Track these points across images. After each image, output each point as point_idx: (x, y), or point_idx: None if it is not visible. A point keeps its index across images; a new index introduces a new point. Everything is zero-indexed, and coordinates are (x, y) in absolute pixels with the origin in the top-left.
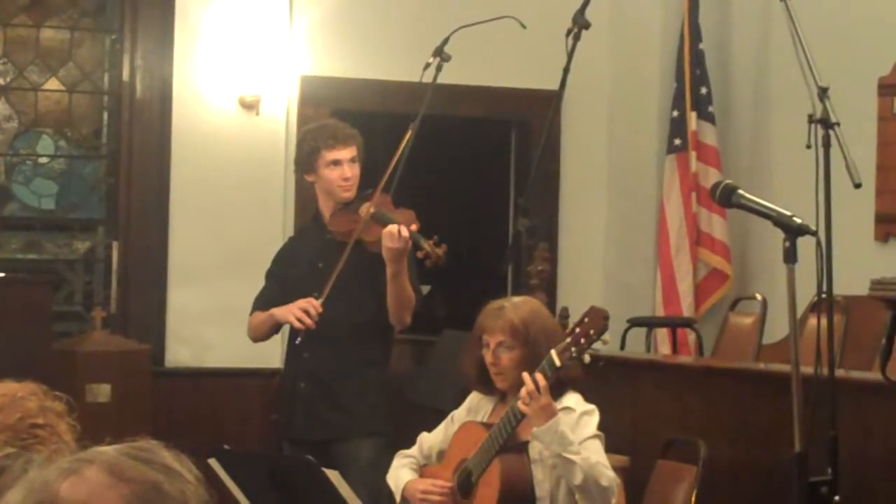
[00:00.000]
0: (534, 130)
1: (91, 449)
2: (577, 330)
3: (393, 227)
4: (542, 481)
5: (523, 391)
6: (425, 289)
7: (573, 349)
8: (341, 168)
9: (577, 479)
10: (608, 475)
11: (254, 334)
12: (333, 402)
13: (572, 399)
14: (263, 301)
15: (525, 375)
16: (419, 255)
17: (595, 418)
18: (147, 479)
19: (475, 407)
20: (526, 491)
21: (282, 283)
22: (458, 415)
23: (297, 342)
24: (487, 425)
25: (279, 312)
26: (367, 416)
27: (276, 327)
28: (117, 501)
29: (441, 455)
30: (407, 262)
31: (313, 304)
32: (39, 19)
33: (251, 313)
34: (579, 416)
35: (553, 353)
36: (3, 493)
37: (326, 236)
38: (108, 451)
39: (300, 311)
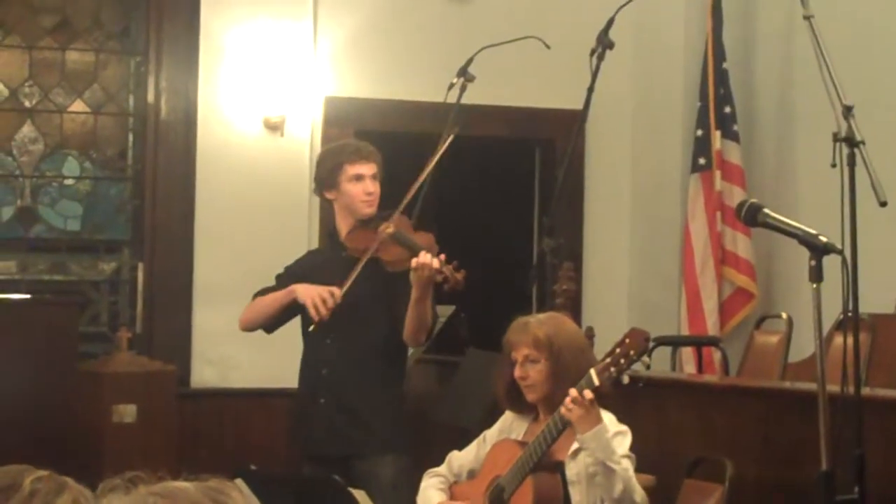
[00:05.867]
0: (558, 150)
1: (168, 483)
2: (618, 350)
3: (426, 257)
4: (580, 502)
5: (567, 399)
6: (449, 309)
7: (612, 369)
8: (364, 183)
9: (617, 490)
10: (641, 492)
11: (253, 315)
12: (353, 417)
13: (606, 418)
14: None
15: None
16: (438, 278)
17: (628, 439)
18: None
19: (507, 428)
20: None
21: None
22: (491, 435)
23: (310, 329)
24: (523, 443)
25: (301, 291)
26: (387, 432)
27: (283, 310)
28: None
29: (472, 474)
30: None
31: (334, 295)
32: (65, 42)
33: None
34: (613, 436)
35: (592, 371)
36: None
37: (343, 254)
38: (188, 489)
39: (319, 298)
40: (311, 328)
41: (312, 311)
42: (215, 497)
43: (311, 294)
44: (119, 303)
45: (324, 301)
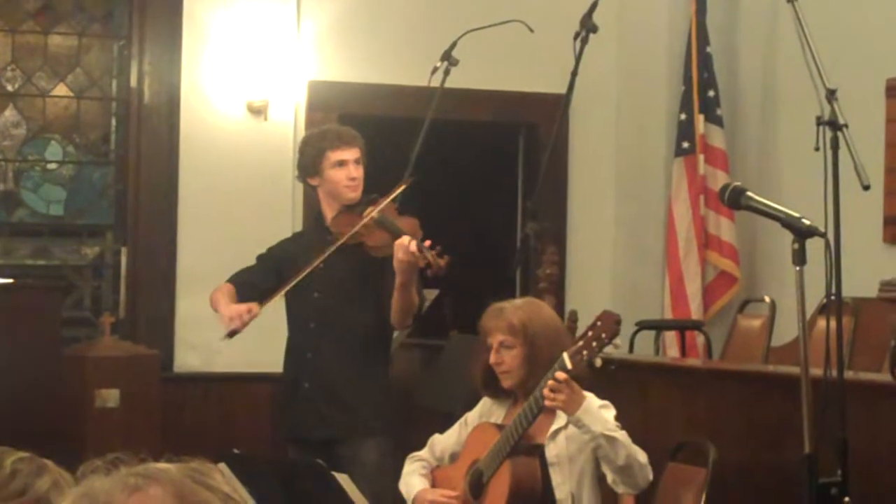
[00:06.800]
0: (542, 134)
1: (150, 465)
2: (590, 333)
3: (404, 240)
4: (561, 483)
5: (546, 389)
6: (434, 292)
7: (585, 352)
8: (347, 168)
9: (621, 457)
10: (643, 452)
11: (213, 301)
12: (336, 400)
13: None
14: (243, 277)
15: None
16: (421, 264)
17: (612, 412)
18: None
19: (487, 411)
20: (536, 493)
21: (276, 273)
22: (472, 417)
23: (225, 337)
24: (501, 427)
25: (224, 309)
26: (370, 415)
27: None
28: None
29: (454, 457)
30: None
31: (251, 311)
32: (48, 26)
33: (227, 281)
34: (599, 409)
35: (565, 355)
36: (12, 498)
37: (328, 237)
38: (170, 469)
39: (237, 313)
40: (224, 337)
41: (226, 322)
42: (197, 478)
43: (231, 310)
44: (102, 287)
45: (239, 315)
